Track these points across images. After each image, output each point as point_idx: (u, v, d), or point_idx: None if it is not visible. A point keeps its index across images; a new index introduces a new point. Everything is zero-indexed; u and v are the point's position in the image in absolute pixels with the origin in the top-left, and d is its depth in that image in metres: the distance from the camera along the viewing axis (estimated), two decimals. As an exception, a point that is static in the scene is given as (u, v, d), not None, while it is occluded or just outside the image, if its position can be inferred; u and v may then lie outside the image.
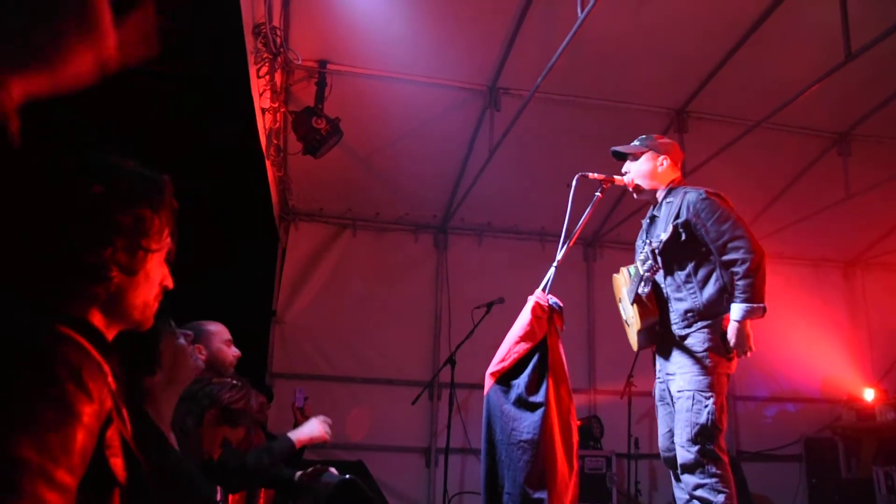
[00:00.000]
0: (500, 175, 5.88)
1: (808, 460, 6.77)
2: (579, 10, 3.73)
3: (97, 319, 1.20)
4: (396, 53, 4.79)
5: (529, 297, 3.08)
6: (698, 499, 3.03)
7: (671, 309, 3.28)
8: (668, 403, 3.30)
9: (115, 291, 1.21)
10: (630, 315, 3.40)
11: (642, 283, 3.20)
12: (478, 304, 5.63)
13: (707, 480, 3.00)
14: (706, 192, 3.26)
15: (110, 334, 1.24)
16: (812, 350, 6.96)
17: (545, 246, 7.06)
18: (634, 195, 3.55)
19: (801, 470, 6.82)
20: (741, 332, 3.08)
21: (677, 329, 3.24)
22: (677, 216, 3.22)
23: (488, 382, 3.01)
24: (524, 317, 3.02)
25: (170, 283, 1.32)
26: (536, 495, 2.76)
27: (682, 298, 3.24)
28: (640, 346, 3.43)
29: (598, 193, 3.40)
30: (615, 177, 3.47)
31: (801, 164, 6.16)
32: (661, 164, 3.45)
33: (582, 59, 4.71)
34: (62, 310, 1.14)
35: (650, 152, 3.46)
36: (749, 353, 3.13)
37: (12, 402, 0.96)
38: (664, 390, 3.33)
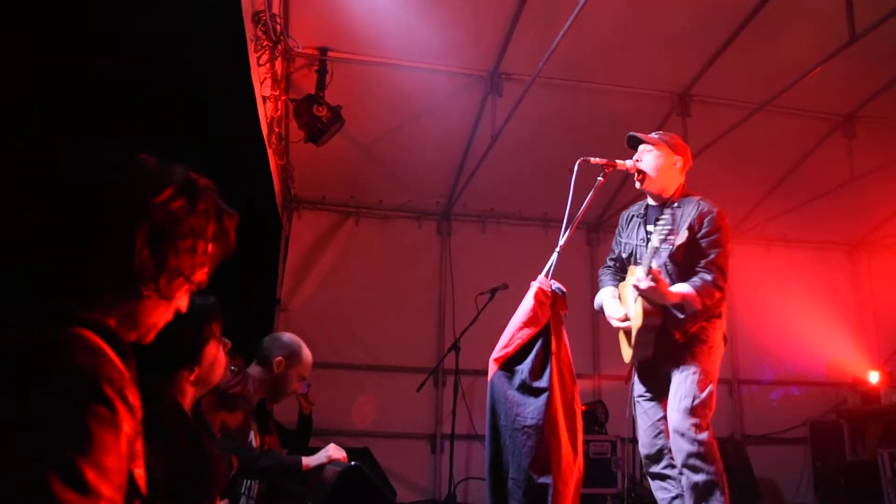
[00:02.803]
0: (503, 161, 5.86)
1: (813, 444, 6.77)
2: (580, -6, 3.70)
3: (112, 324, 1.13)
4: (397, 40, 4.76)
5: (532, 283, 3.08)
6: (690, 468, 3.09)
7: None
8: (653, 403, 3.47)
9: (137, 308, 1.15)
10: (633, 313, 3.41)
11: (657, 255, 3.22)
12: (482, 291, 5.63)
13: (699, 449, 3.07)
14: (719, 211, 3.36)
15: None
16: (817, 333, 6.95)
17: (548, 231, 7.05)
18: (637, 184, 3.50)
19: (806, 453, 6.81)
20: (660, 295, 3.17)
21: (679, 328, 3.29)
22: (692, 225, 3.29)
23: (492, 368, 3.00)
24: (527, 302, 3.02)
25: (184, 308, 1.26)
26: (541, 480, 2.76)
27: None
28: (635, 358, 3.48)
29: (600, 178, 3.38)
30: (617, 161, 3.44)
31: (805, 146, 6.12)
32: (676, 164, 3.47)
33: (583, 43, 4.68)
34: (79, 313, 1.05)
35: (667, 148, 3.46)
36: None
37: (67, 423, 0.91)
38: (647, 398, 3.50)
